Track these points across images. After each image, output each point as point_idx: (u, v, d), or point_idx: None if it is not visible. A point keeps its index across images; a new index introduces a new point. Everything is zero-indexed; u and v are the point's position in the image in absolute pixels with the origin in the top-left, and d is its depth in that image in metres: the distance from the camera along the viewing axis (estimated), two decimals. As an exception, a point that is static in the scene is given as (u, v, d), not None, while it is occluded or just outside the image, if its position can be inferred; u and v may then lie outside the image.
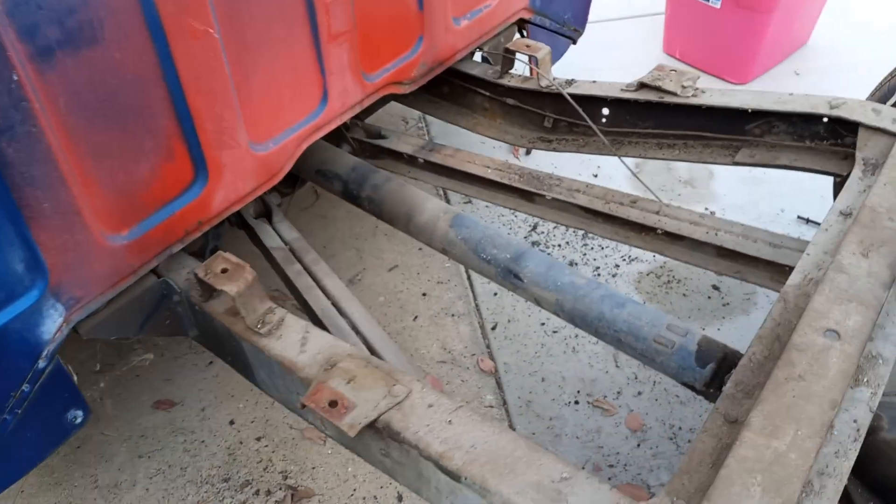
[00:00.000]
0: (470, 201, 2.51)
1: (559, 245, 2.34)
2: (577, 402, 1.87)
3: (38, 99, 1.07)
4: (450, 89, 2.24)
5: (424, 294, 2.19)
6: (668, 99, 1.79)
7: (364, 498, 1.70)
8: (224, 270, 1.34)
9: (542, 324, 2.09)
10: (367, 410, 1.11)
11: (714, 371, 1.39)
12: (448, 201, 2.49)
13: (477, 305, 2.16)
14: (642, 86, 1.84)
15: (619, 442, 1.77)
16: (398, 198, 1.78)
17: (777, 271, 1.65)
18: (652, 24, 3.57)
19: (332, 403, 1.13)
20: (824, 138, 1.67)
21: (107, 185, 1.26)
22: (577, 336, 2.06)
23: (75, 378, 1.36)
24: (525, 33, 2.28)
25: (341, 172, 1.87)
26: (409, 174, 2.08)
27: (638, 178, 2.06)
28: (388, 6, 1.69)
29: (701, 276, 2.20)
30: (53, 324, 1.25)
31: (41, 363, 1.26)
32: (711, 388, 1.41)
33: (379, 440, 1.14)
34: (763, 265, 1.67)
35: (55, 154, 1.13)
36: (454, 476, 1.02)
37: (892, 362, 1.15)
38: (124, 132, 1.25)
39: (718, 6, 2.88)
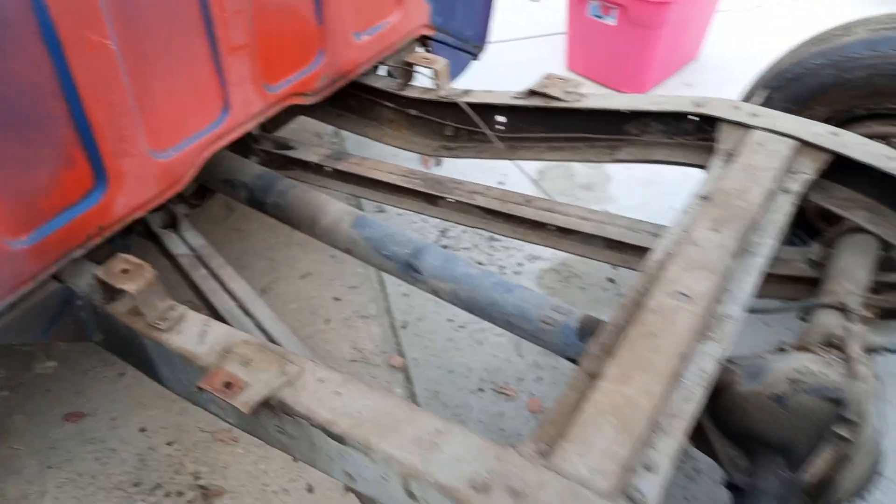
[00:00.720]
0: (382, 209, 2.60)
1: (467, 247, 2.46)
2: (481, 390, 1.97)
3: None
4: (357, 103, 2.34)
5: (337, 299, 2.26)
6: (553, 104, 1.93)
7: (275, 492, 1.75)
8: (124, 271, 1.39)
9: (450, 320, 2.19)
10: (260, 389, 1.18)
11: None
12: (361, 209, 2.57)
13: (388, 307, 2.24)
14: (531, 93, 1.98)
15: (520, 424, 1.87)
16: (303, 203, 1.86)
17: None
18: (556, 43, 3.77)
19: (228, 385, 1.19)
20: (692, 134, 1.84)
21: (5, 192, 1.30)
22: (483, 330, 2.17)
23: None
24: (428, 49, 2.41)
25: (247, 181, 1.94)
26: (317, 183, 2.17)
27: (521, 168, 2.19)
28: (288, 21, 1.79)
29: (598, 270, 2.34)
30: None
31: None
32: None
33: (273, 417, 1.20)
34: (646, 253, 1.82)
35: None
36: (340, 440, 1.10)
37: (740, 321, 1.29)
38: (22, 140, 1.30)
39: (615, 24, 3.08)
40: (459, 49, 2.52)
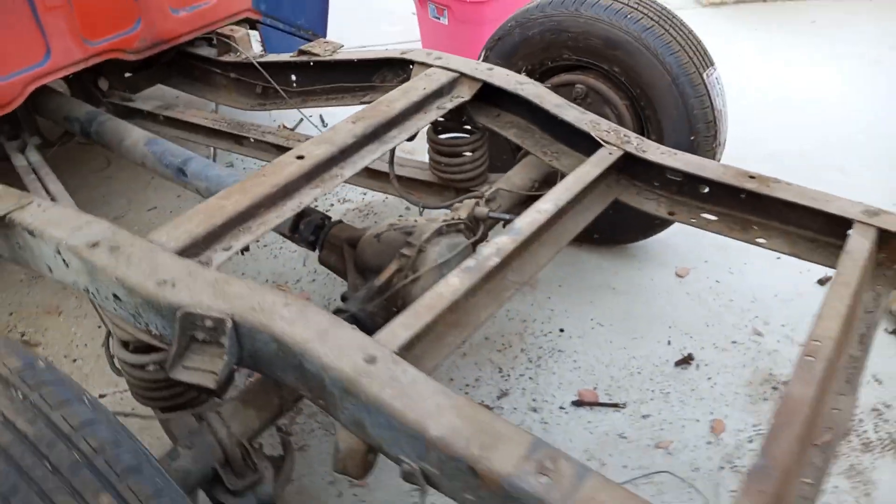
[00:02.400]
0: (231, 164, 3.17)
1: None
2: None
3: None
4: (199, 72, 2.92)
5: (169, 222, 2.82)
6: (313, 59, 2.48)
7: (78, 345, 2.28)
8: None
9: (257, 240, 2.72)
10: (-2, 210, 1.71)
11: (295, 221, 2.04)
12: (215, 159, 3.14)
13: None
14: (301, 52, 2.54)
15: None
16: (114, 130, 2.43)
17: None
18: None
19: (-22, 209, 1.73)
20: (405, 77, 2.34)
21: None
22: (282, 248, 2.69)
23: None
24: (256, 29, 2.99)
25: (79, 116, 2.52)
26: (153, 129, 2.73)
27: (311, 122, 2.74)
28: (106, -7, 2.38)
29: (395, 209, 2.86)
30: None
31: None
32: (294, 234, 2.06)
33: (11, 235, 1.73)
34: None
35: None
36: (31, 232, 1.62)
37: (345, 178, 1.80)
38: None
39: (447, 24, 3.66)
40: (292, 34, 3.10)
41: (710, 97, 2.19)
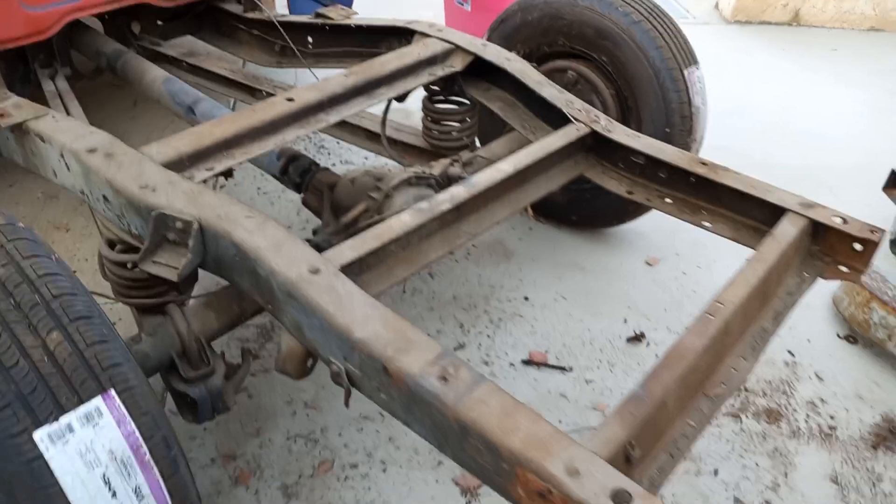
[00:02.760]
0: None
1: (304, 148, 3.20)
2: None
3: None
4: (226, 27, 3.11)
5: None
6: (327, 22, 2.65)
7: (79, 260, 2.48)
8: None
9: (259, 188, 2.91)
10: (18, 118, 1.91)
11: (285, 164, 2.21)
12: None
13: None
14: (317, 15, 2.71)
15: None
16: (136, 67, 2.62)
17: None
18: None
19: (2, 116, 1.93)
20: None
21: None
22: (280, 196, 2.87)
23: None
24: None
25: (108, 52, 2.71)
26: (176, 73, 2.93)
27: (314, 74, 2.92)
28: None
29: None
30: None
31: None
32: (284, 175, 2.23)
33: (25, 141, 1.92)
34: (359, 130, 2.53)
35: None
36: (42, 138, 1.81)
37: (332, 123, 1.96)
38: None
39: (469, 10, 3.81)
40: (321, 3, 3.27)
41: (688, 93, 2.30)
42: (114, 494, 1.11)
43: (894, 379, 2.28)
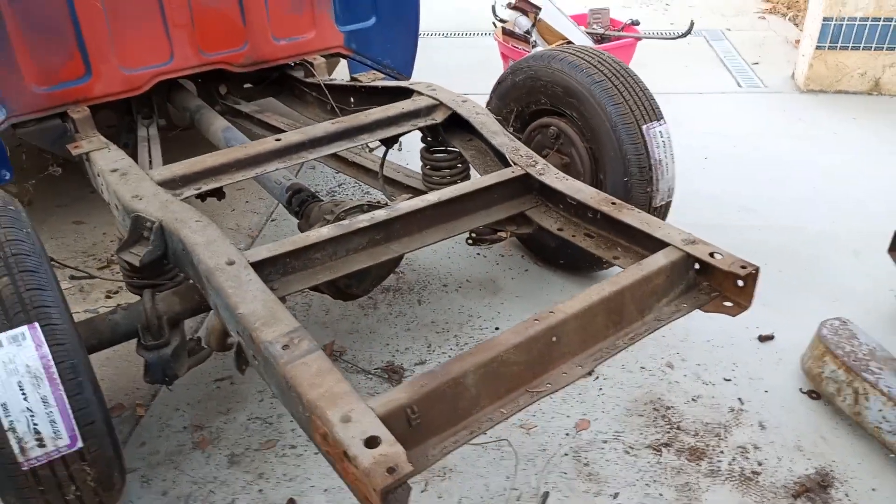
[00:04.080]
0: (313, 167, 3.90)
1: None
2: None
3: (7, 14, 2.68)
4: (296, 91, 3.70)
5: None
6: (359, 84, 3.12)
7: (143, 267, 3.06)
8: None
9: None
10: (85, 149, 2.52)
11: (290, 196, 2.67)
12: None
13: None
14: (352, 79, 3.20)
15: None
16: (207, 118, 3.23)
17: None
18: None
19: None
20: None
21: (38, 64, 2.83)
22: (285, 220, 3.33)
23: (7, 150, 2.89)
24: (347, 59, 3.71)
25: (190, 106, 3.37)
26: (249, 126, 3.53)
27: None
28: (220, 20, 3.21)
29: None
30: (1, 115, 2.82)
31: (-10, 136, 2.82)
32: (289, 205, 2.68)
33: (89, 167, 2.53)
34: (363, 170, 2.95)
35: (11, 40, 2.71)
36: (93, 164, 2.39)
37: (307, 158, 2.38)
38: (51, 41, 2.83)
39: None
40: (379, 71, 3.78)
41: (646, 146, 2.49)
42: (25, 398, 1.54)
43: (845, 435, 2.25)
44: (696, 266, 1.92)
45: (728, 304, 1.89)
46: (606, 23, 4.62)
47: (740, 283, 1.85)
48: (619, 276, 1.81)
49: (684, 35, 4.46)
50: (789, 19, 6.02)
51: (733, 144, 4.08)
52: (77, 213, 3.60)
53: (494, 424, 1.57)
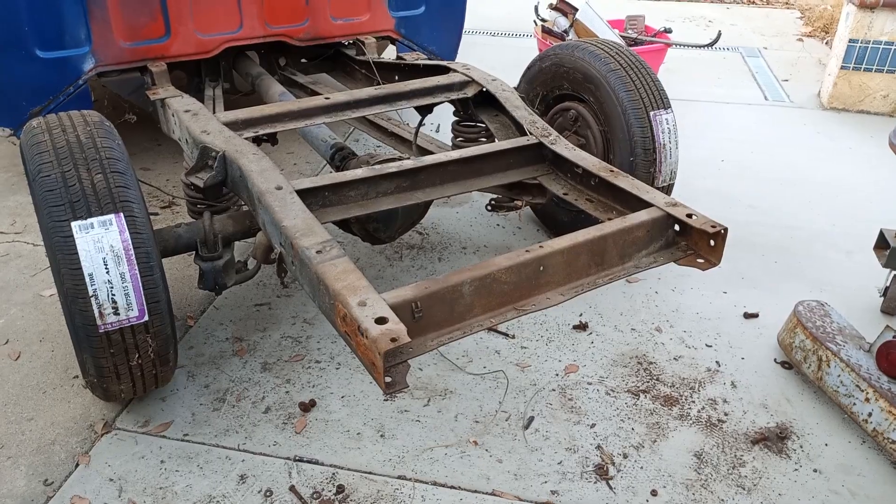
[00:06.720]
0: (357, 139, 4.26)
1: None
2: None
3: (101, -28, 3.10)
4: (348, 68, 4.07)
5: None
6: (404, 62, 3.47)
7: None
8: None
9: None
10: (162, 95, 2.91)
11: (333, 152, 3.02)
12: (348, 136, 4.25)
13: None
14: (398, 58, 3.54)
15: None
16: (266, 84, 3.61)
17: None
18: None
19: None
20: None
21: (126, 22, 3.25)
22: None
23: (92, 95, 3.31)
24: (394, 44, 4.07)
25: (252, 72, 3.75)
26: (300, 94, 3.90)
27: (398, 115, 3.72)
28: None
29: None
30: (89, 65, 3.23)
31: (80, 81, 3.24)
32: (332, 160, 3.03)
33: (165, 111, 2.92)
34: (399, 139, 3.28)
35: (108, 2, 3.13)
36: (169, 107, 2.78)
37: (349, 115, 2.73)
38: (139, 2, 3.24)
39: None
40: (425, 54, 4.13)
41: (652, 131, 2.78)
42: (107, 272, 1.91)
43: (809, 400, 2.50)
44: (676, 228, 2.20)
45: (700, 260, 2.17)
46: (641, 29, 4.90)
47: (712, 242, 2.13)
48: (605, 224, 2.11)
49: (711, 44, 4.72)
50: (826, 42, 6.21)
51: (750, 150, 4.32)
52: (144, 160, 4.02)
53: (483, 329, 1.88)
